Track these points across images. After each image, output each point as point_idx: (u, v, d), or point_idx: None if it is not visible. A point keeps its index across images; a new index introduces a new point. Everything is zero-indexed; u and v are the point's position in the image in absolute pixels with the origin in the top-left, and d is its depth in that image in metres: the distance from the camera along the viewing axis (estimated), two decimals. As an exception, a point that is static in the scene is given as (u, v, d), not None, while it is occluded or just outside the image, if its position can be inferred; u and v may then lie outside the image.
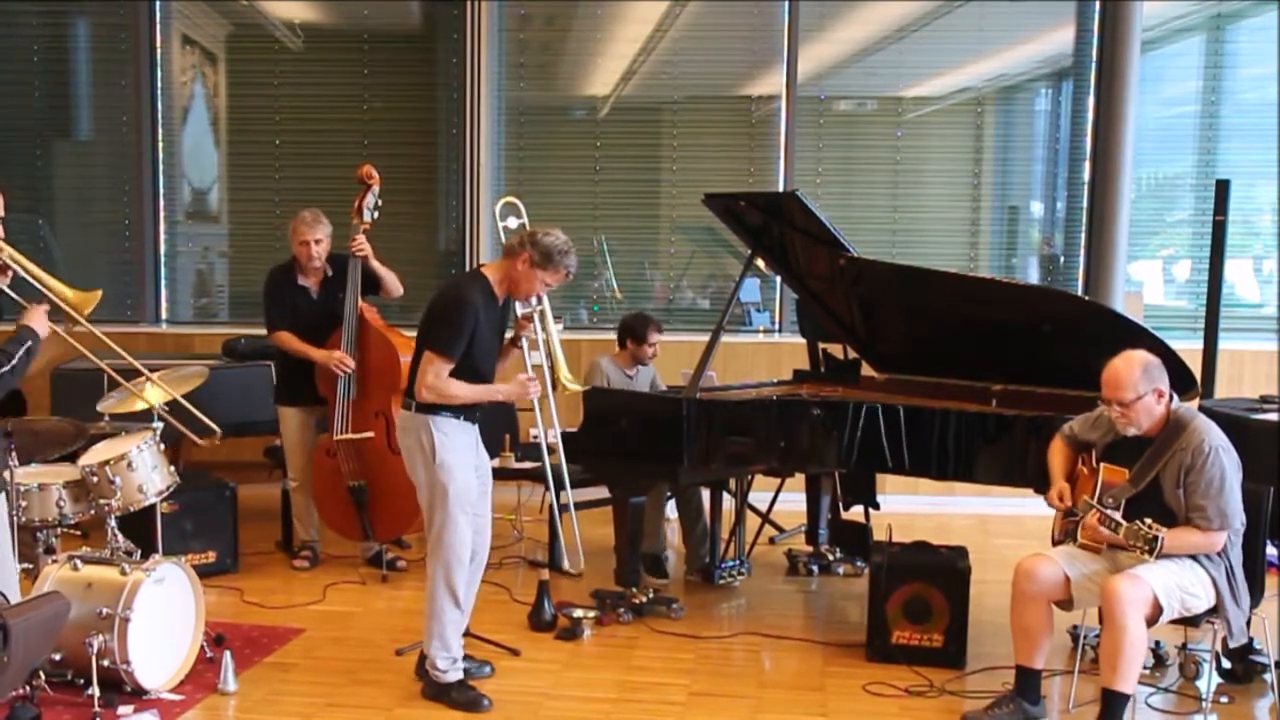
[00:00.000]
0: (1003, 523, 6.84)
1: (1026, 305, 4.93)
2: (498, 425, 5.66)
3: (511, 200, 5.25)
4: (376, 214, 5.51)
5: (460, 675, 4.18)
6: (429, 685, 4.20)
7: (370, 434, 5.49)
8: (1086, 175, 7.39)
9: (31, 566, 4.43)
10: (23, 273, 3.58)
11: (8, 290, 3.57)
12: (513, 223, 5.40)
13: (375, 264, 5.51)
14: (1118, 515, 3.76)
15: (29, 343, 3.51)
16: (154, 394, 4.47)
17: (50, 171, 7.98)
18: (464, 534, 4.10)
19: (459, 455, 4.08)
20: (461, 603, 4.15)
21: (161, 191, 7.82)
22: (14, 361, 3.44)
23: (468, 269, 7.49)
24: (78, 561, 4.15)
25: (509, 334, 4.36)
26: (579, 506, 5.93)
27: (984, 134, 7.62)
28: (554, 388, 4.65)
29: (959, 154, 7.63)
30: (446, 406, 4.06)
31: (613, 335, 5.87)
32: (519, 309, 4.54)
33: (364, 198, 5.47)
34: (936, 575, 4.54)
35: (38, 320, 3.60)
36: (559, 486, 5.66)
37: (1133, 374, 3.79)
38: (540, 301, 4.42)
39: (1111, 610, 3.71)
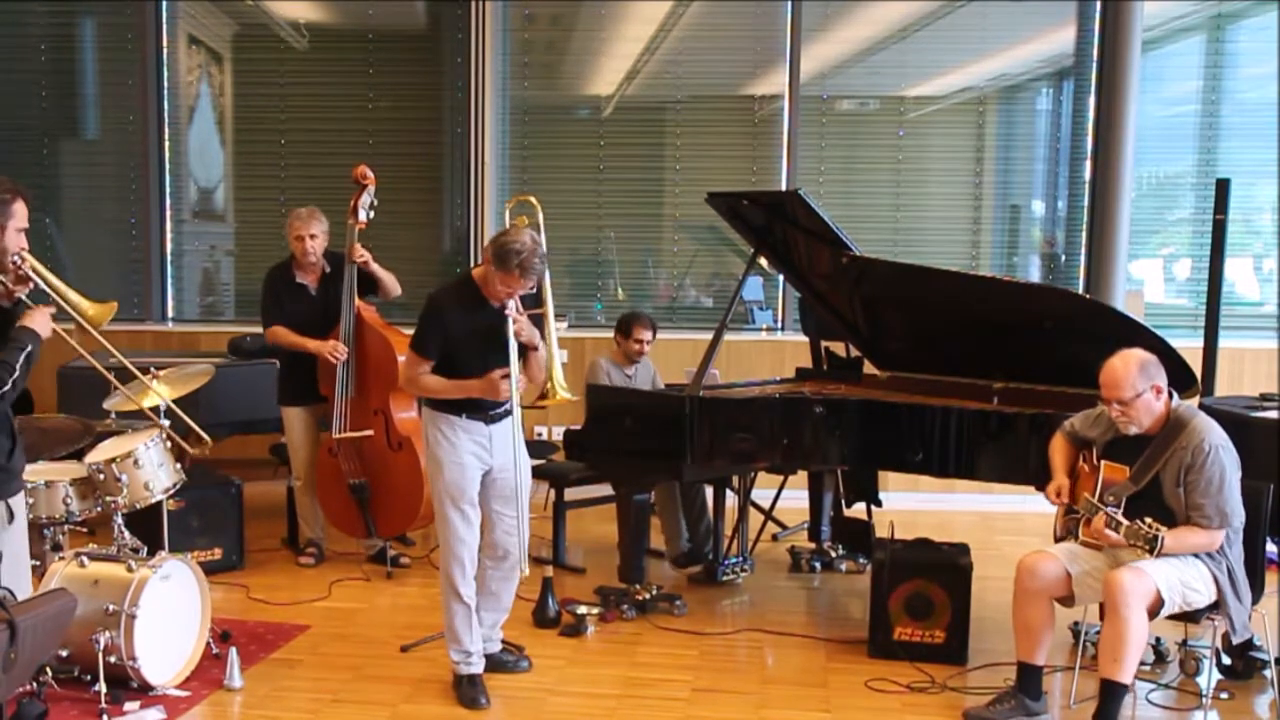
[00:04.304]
0: (1004, 519, 6.86)
1: (1028, 303, 4.94)
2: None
3: (525, 198, 5.14)
4: (372, 214, 5.52)
5: (472, 670, 4.20)
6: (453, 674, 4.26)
7: (369, 432, 5.51)
8: (1087, 174, 7.39)
9: (39, 563, 4.43)
10: (43, 284, 3.51)
11: (26, 300, 3.51)
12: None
13: (374, 267, 5.54)
14: (1119, 514, 3.78)
15: (29, 348, 3.35)
16: (160, 392, 4.49)
17: (57, 170, 8.00)
18: (457, 528, 4.12)
19: (451, 452, 4.10)
20: (466, 597, 4.16)
21: (168, 190, 7.85)
22: (15, 374, 3.31)
23: (472, 268, 7.50)
24: (84, 558, 4.18)
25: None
26: (581, 505, 5.96)
27: (986, 133, 7.63)
28: (543, 396, 4.51)
29: (961, 153, 7.64)
30: (447, 403, 4.10)
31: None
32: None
33: (359, 197, 5.47)
34: (938, 572, 4.55)
35: (39, 321, 3.42)
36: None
37: (1130, 372, 3.81)
38: (541, 304, 4.33)
39: (1114, 601, 3.73)
